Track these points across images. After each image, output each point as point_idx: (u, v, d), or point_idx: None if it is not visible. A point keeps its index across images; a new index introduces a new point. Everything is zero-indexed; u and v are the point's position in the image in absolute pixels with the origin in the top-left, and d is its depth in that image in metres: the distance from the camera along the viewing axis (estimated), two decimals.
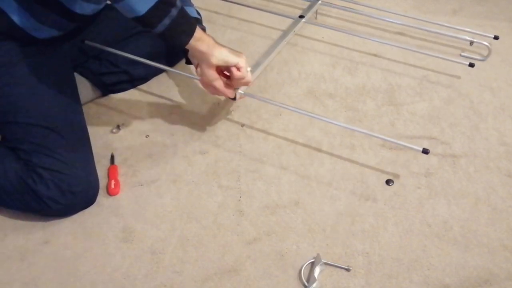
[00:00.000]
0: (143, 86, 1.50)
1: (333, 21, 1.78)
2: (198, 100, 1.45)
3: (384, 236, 1.10)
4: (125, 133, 1.35)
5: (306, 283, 1.01)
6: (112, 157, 1.28)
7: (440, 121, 1.38)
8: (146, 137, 1.34)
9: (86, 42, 1.35)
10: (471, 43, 1.53)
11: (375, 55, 1.61)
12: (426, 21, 1.60)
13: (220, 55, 1.12)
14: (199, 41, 1.09)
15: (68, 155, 1.12)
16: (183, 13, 1.06)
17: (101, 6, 1.19)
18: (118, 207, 1.17)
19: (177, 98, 1.46)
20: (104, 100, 1.45)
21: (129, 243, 1.10)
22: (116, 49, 1.36)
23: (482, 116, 1.39)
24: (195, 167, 1.26)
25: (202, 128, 1.36)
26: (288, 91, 1.48)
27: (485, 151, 1.29)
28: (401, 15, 1.67)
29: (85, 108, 1.33)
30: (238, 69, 1.15)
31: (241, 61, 1.15)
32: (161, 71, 1.51)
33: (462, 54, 1.60)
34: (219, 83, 1.17)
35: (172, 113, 1.41)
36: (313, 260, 1.05)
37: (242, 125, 1.37)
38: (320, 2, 1.71)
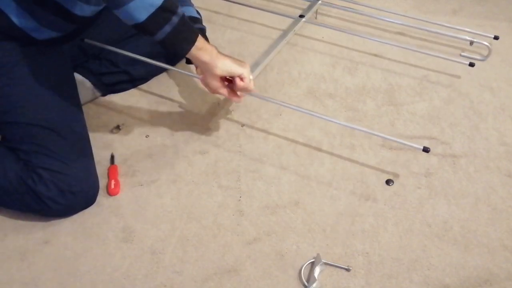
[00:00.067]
0: (143, 86, 1.50)
1: (333, 21, 1.78)
2: (198, 100, 1.45)
3: (384, 236, 1.10)
4: (125, 133, 1.35)
5: (306, 283, 1.01)
6: (112, 157, 1.28)
7: (440, 121, 1.38)
8: (146, 137, 1.34)
9: (86, 40, 1.35)
10: (471, 43, 1.53)
11: (375, 55, 1.61)
12: (426, 21, 1.61)
13: (224, 66, 1.12)
14: (201, 50, 1.09)
15: (68, 155, 1.12)
16: (184, 21, 1.05)
17: (101, 7, 1.19)
18: (118, 207, 1.17)
19: (177, 98, 1.46)
20: (104, 100, 1.45)
21: (129, 243, 1.10)
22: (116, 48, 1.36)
23: (482, 116, 1.39)
24: (195, 167, 1.26)
25: (202, 128, 1.36)
26: (288, 91, 1.48)
27: (485, 151, 1.29)
28: (401, 15, 1.67)
29: (85, 108, 1.33)
30: (242, 79, 1.16)
31: (245, 72, 1.16)
32: (161, 70, 1.51)
33: (462, 54, 1.60)
34: (224, 91, 1.18)
35: (172, 113, 1.41)
36: (313, 260, 1.05)
37: (242, 125, 1.37)
38: (320, 2, 1.71)
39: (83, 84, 1.39)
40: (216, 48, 1.13)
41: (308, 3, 1.72)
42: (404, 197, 1.18)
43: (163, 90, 1.48)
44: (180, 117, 1.40)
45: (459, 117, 1.39)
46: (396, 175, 1.23)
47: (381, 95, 1.46)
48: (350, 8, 1.70)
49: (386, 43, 1.60)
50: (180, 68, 1.49)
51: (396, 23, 1.64)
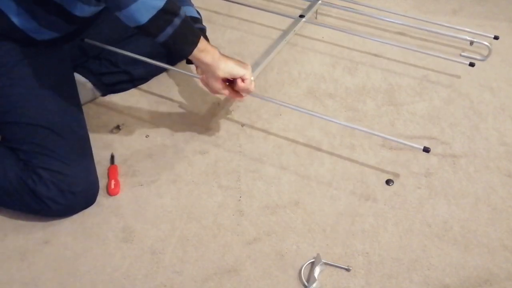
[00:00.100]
0: (143, 86, 1.50)
1: (333, 21, 1.78)
2: (198, 100, 1.45)
3: (384, 236, 1.10)
4: (125, 133, 1.35)
5: (306, 283, 1.01)
6: (112, 157, 1.28)
7: (440, 121, 1.38)
8: (146, 137, 1.34)
9: (86, 40, 1.35)
10: (471, 43, 1.53)
11: (375, 55, 1.61)
12: (426, 21, 1.61)
13: (226, 68, 1.12)
14: (203, 52, 1.09)
15: (68, 155, 1.12)
16: (186, 23, 1.05)
17: (100, 8, 1.19)
18: (118, 207, 1.17)
19: (177, 98, 1.46)
20: (104, 100, 1.45)
21: (129, 243, 1.10)
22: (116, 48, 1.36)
23: (482, 116, 1.39)
24: (195, 167, 1.26)
25: (202, 128, 1.36)
26: (288, 91, 1.48)
27: (485, 151, 1.29)
28: (401, 15, 1.67)
29: (85, 108, 1.33)
30: (243, 80, 1.16)
31: (247, 73, 1.16)
32: (161, 70, 1.51)
33: (462, 54, 1.60)
34: (226, 92, 1.18)
35: (172, 113, 1.41)
36: (313, 260, 1.05)
37: (242, 125, 1.37)
38: (320, 2, 1.71)
39: (83, 84, 1.39)
40: (218, 49, 1.13)
41: (308, 3, 1.72)
42: (404, 197, 1.18)
43: (163, 90, 1.48)
44: (180, 117, 1.40)
45: (459, 117, 1.39)
46: (396, 175, 1.23)
47: (381, 95, 1.46)
48: (350, 8, 1.70)
49: (386, 43, 1.60)
50: (180, 68, 1.49)
51: (396, 23, 1.64)
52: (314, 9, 1.68)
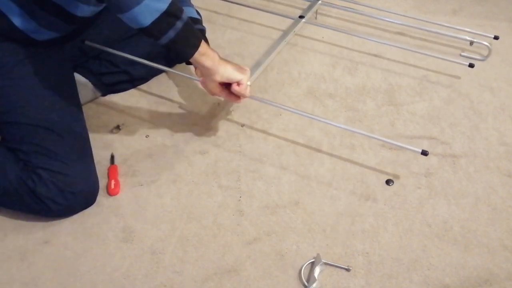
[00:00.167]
0: (143, 86, 1.50)
1: (333, 21, 1.78)
2: (198, 100, 1.45)
3: (384, 236, 1.10)
4: (125, 133, 1.35)
5: (306, 283, 1.01)
6: (112, 157, 1.28)
7: (440, 121, 1.38)
8: (146, 137, 1.34)
9: (86, 42, 1.35)
10: (471, 43, 1.53)
11: (375, 55, 1.61)
12: (426, 21, 1.61)
13: (225, 73, 1.13)
14: (203, 56, 1.09)
15: (67, 156, 1.12)
16: (188, 26, 1.06)
17: (101, 8, 1.19)
18: (118, 207, 1.17)
19: (177, 98, 1.46)
20: (104, 100, 1.45)
21: (129, 243, 1.10)
22: (116, 48, 1.36)
23: (482, 116, 1.39)
24: (195, 167, 1.26)
25: (202, 128, 1.36)
26: (288, 91, 1.48)
27: (485, 151, 1.29)
28: (401, 15, 1.67)
29: (85, 108, 1.33)
30: (239, 84, 1.16)
31: (244, 79, 1.16)
32: (161, 71, 1.51)
33: (462, 54, 1.60)
34: (222, 94, 1.19)
35: (172, 113, 1.41)
36: (313, 260, 1.05)
37: (242, 125, 1.37)
38: (320, 2, 1.71)
39: (83, 84, 1.39)
40: (218, 53, 1.14)
41: (308, 3, 1.72)
42: (404, 197, 1.18)
43: (163, 90, 1.48)
44: (180, 117, 1.40)
45: (459, 117, 1.39)
46: (396, 175, 1.23)
47: (381, 95, 1.46)
48: (350, 8, 1.70)
49: (385, 43, 1.60)
50: (180, 68, 1.50)
51: (396, 23, 1.64)
52: (314, 9, 1.68)
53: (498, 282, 1.02)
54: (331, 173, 1.24)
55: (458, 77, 1.52)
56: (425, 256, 1.06)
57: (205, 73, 1.15)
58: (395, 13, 1.66)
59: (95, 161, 1.21)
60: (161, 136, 1.34)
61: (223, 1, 1.78)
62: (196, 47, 1.08)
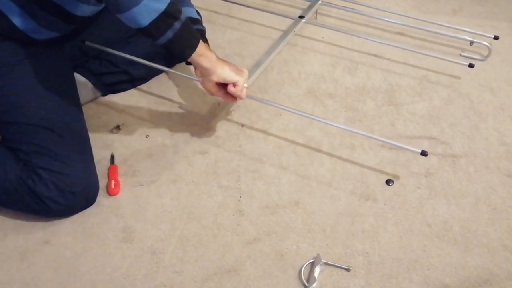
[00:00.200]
0: (143, 86, 1.50)
1: (333, 21, 1.78)
2: (198, 100, 1.45)
3: (384, 236, 1.10)
4: (125, 133, 1.35)
5: (306, 283, 1.01)
6: (112, 157, 1.28)
7: (440, 121, 1.38)
8: (146, 137, 1.34)
9: (87, 43, 1.35)
10: (471, 43, 1.53)
11: (375, 55, 1.61)
12: (426, 21, 1.61)
13: (222, 74, 1.14)
14: (201, 56, 1.10)
15: (67, 155, 1.12)
16: (186, 27, 1.06)
17: (100, 8, 1.19)
18: (118, 207, 1.17)
19: (177, 98, 1.46)
20: (104, 100, 1.45)
21: (129, 243, 1.10)
22: (116, 48, 1.36)
23: (482, 116, 1.39)
24: (195, 167, 1.26)
25: (202, 128, 1.36)
26: (288, 91, 1.48)
27: (485, 151, 1.29)
28: (401, 15, 1.67)
29: (85, 108, 1.33)
30: (234, 85, 1.17)
31: (240, 80, 1.17)
32: (161, 71, 1.51)
33: (462, 54, 1.60)
34: (219, 94, 1.20)
35: (172, 113, 1.41)
36: (313, 260, 1.05)
37: (242, 125, 1.37)
38: (320, 2, 1.71)
39: (83, 84, 1.39)
40: (215, 54, 1.15)
41: (308, 3, 1.72)
42: (404, 197, 1.18)
43: (163, 91, 1.48)
44: (180, 117, 1.40)
45: (459, 117, 1.39)
46: (396, 175, 1.23)
47: (381, 95, 1.46)
48: (350, 8, 1.70)
49: (385, 43, 1.59)
50: (180, 68, 1.50)
51: (396, 23, 1.64)
52: (314, 9, 1.68)
53: (498, 282, 1.02)
54: (331, 173, 1.24)
55: (458, 77, 1.52)
56: (425, 256, 1.06)
57: (203, 73, 1.16)
58: (395, 13, 1.66)
59: (95, 161, 1.21)
60: (161, 136, 1.34)
61: (223, 1, 1.78)
62: (194, 47, 1.09)
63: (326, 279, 1.02)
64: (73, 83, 1.27)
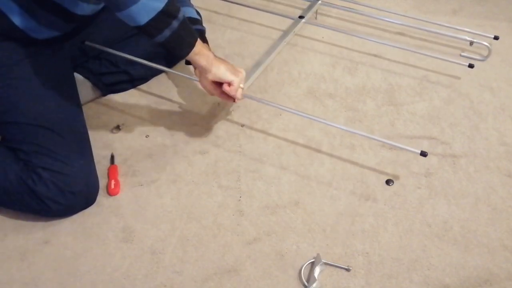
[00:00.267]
0: (143, 86, 1.50)
1: (333, 21, 1.78)
2: (198, 100, 1.45)
3: (384, 236, 1.10)
4: (125, 133, 1.35)
5: (306, 283, 1.01)
6: (112, 157, 1.28)
7: (440, 121, 1.38)
8: (146, 137, 1.34)
9: (86, 43, 1.35)
10: (471, 43, 1.53)
11: (375, 55, 1.61)
12: (426, 21, 1.61)
13: (217, 72, 1.15)
14: (197, 55, 1.11)
15: (68, 155, 1.12)
16: (184, 26, 1.07)
17: (100, 6, 1.19)
18: (118, 207, 1.17)
19: (177, 98, 1.46)
20: (104, 100, 1.45)
21: (129, 243, 1.10)
22: (116, 48, 1.36)
23: (482, 116, 1.39)
24: (195, 167, 1.26)
25: (202, 128, 1.36)
26: (288, 91, 1.48)
27: (485, 151, 1.29)
28: (401, 15, 1.67)
29: (85, 108, 1.33)
30: (229, 85, 1.17)
31: (235, 80, 1.17)
32: (161, 71, 1.51)
33: (462, 54, 1.60)
34: (216, 92, 1.20)
35: (172, 113, 1.41)
36: (313, 260, 1.05)
37: (242, 125, 1.37)
38: (320, 2, 1.71)
39: (83, 84, 1.39)
40: (213, 53, 1.15)
41: (308, 3, 1.72)
42: (404, 197, 1.18)
43: (163, 91, 1.48)
44: (180, 117, 1.40)
45: (459, 117, 1.39)
46: (396, 175, 1.23)
47: (381, 95, 1.46)
48: (350, 8, 1.70)
49: (385, 43, 1.59)
50: (180, 68, 1.50)
51: (396, 23, 1.64)
52: (314, 9, 1.68)
53: (498, 282, 1.02)
54: (331, 173, 1.24)
55: (458, 77, 1.52)
56: (425, 256, 1.06)
57: (200, 71, 1.17)
58: (395, 13, 1.66)
59: (95, 161, 1.21)
60: (161, 136, 1.34)
61: (223, 1, 1.78)
62: (191, 46, 1.09)
63: (326, 279, 1.02)
64: (73, 83, 1.27)
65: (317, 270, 1.02)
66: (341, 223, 1.13)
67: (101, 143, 1.31)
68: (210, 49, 1.17)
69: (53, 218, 1.13)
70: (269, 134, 1.34)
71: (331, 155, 1.29)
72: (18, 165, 1.10)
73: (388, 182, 1.21)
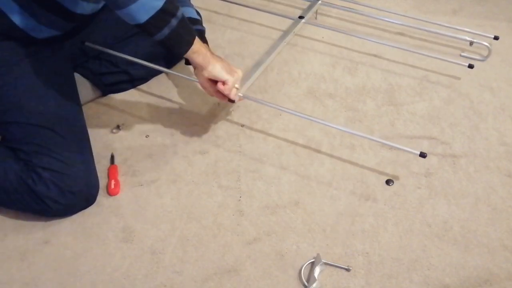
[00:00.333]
0: (143, 86, 1.50)
1: (333, 21, 1.78)
2: (198, 100, 1.45)
3: (384, 236, 1.10)
4: (125, 133, 1.35)
5: (306, 283, 1.01)
6: (112, 157, 1.28)
7: (440, 121, 1.38)
8: (146, 137, 1.34)
9: (86, 43, 1.35)
10: (471, 43, 1.53)
11: (375, 55, 1.61)
12: (426, 21, 1.61)
13: (213, 71, 1.15)
14: (195, 53, 1.12)
15: (68, 155, 1.12)
16: (183, 24, 1.07)
17: (100, 5, 1.19)
18: (118, 207, 1.17)
19: (177, 98, 1.46)
20: (104, 100, 1.45)
21: (129, 243, 1.10)
22: (116, 48, 1.36)
23: (482, 116, 1.39)
24: (195, 167, 1.26)
25: (202, 128, 1.36)
26: (288, 91, 1.48)
27: (485, 151, 1.29)
28: (401, 15, 1.67)
29: (85, 108, 1.33)
30: (223, 84, 1.17)
31: (230, 80, 1.17)
32: (161, 71, 1.51)
33: (462, 54, 1.60)
34: (211, 90, 1.21)
35: (172, 113, 1.41)
36: (313, 260, 1.05)
37: (242, 125, 1.37)
38: (320, 2, 1.71)
39: (83, 84, 1.39)
40: (210, 51, 1.16)
41: (308, 4, 1.72)
42: (404, 197, 1.18)
43: (163, 91, 1.48)
44: (180, 117, 1.40)
45: (459, 117, 1.39)
46: (396, 175, 1.23)
47: (381, 95, 1.46)
48: (350, 8, 1.70)
49: (385, 43, 1.59)
50: (179, 68, 1.50)
51: (396, 23, 1.64)
52: (314, 9, 1.68)
53: (498, 282, 1.02)
54: (331, 173, 1.24)
55: (458, 77, 1.52)
56: (425, 256, 1.06)
57: (197, 68, 1.18)
58: (395, 13, 1.66)
59: (95, 161, 1.21)
60: (161, 136, 1.34)
61: (223, 1, 1.78)
62: (189, 44, 1.10)
63: (326, 279, 1.02)
64: (73, 83, 1.27)
65: (317, 270, 1.02)
66: (341, 223, 1.13)
67: (101, 143, 1.31)
68: (209, 49, 1.17)
69: (53, 218, 1.13)
70: (269, 134, 1.34)
71: (331, 155, 1.29)
72: (18, 165, 1.10)
73: (388, 182, 1.21)
